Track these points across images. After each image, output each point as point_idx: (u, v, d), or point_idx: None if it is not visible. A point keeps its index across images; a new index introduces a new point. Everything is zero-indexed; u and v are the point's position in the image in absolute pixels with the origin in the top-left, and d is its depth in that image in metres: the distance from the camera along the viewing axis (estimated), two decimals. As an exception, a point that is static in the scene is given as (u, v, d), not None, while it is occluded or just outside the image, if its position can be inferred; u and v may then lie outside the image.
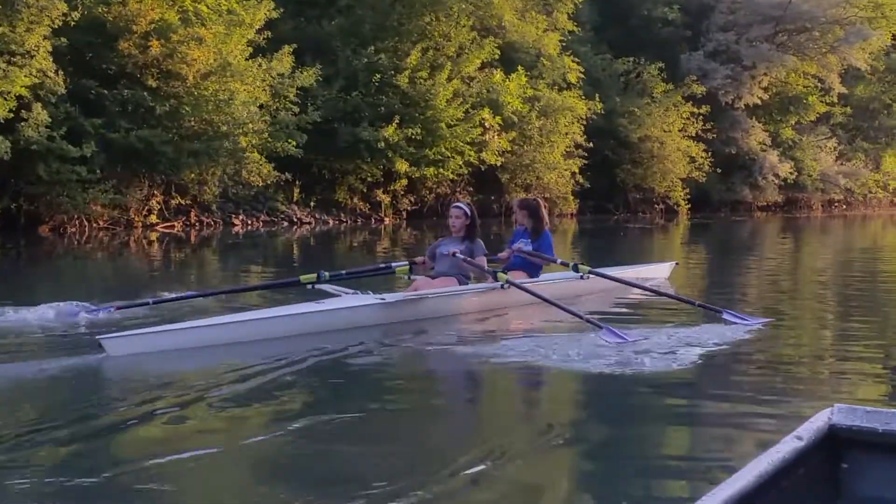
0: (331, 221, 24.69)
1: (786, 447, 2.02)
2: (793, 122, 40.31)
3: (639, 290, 8.38)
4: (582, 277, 8.18)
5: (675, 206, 34.02)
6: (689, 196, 34.14)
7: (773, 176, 37.70)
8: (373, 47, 24.68)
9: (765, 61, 35.75)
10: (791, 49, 37.30)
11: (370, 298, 6.92)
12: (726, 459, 3.68)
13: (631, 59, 33.30)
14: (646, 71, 33.17)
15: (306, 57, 24.67)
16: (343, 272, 7.53)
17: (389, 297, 7.02)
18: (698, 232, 26.70)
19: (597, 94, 29.84)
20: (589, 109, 29.34)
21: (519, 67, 27.40)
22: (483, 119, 25.91)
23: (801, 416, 2.68)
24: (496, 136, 26.37)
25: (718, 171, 35.20)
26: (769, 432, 3.84)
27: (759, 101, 36.55)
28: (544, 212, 8.49)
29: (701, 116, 33.18)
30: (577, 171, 29.34)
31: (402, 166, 24.42)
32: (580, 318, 6.45)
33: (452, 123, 25.01)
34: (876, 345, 6.39)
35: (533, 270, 8.29)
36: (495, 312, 7.52)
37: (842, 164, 42.32)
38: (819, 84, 38.86)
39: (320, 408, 4.58)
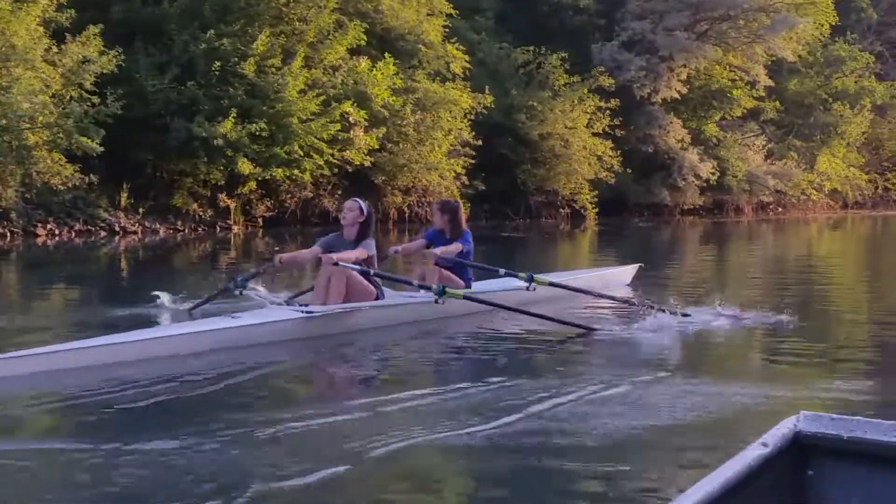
0: (161, 230, 21.39)
1: (751, 454, 2.00)
2: (717, 118, 37.21)
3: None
4: (528, 289, 7.86)
5: (583, 211, 30.78)
6: (600, 199, 30.76)
7: (693, 177, 34.56)
8: (213, 31, 21.54)
9: (683, 51, 32.71)
10: (712, 38, 34.39)
11: (294, 312, 6.73)
12: (690, 467, 3.70)
13: (531, 48, 30.07)
14: (547, 61, 29.99)
15: (138, 42, 21.68)
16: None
17: (317, 309, 6.78)
18: (604, 240, 23.68)
19: (486, 87, 26.66)
20: (478, 103, 26.28)
21: (386, 55, 24.26)
22: (346, 113, 22.81)
23: (766, 424, 2.47)
24: (362, 133, 23.26)
25: (629, 171, 31.86)
26: (734, 440, 3.80)
27: (678, 96, 33.40)
28: (462, 215, 8.32)
29: (608, 111, 29.94)
30: (461, 171, 26.15)
31: (245, 167, 21.27)
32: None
33: (306, 118, 21.90)
34: (841, 352, 6.37)
35: (464, 275, 7.99)
36: (430, 324, 7.40)
37: (772, 163, 39.29)
38: (745, 77, 35.89)
39: (203, 434, 4.19)
